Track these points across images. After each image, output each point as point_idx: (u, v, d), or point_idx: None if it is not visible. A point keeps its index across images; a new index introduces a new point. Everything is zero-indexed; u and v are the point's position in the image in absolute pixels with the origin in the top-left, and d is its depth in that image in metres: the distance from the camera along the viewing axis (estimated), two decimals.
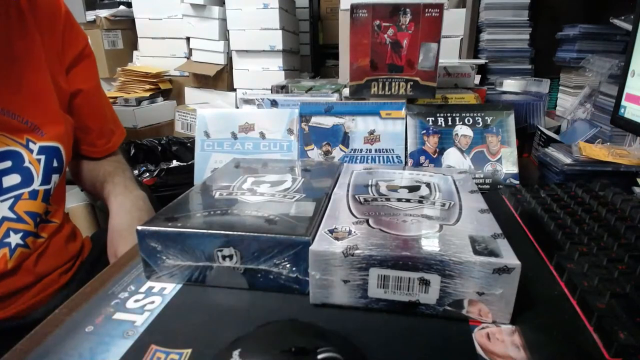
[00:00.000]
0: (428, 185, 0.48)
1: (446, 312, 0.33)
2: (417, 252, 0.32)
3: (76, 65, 0.63)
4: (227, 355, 0.26)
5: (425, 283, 0.33)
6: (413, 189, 0.47)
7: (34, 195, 0.56)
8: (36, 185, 0.56)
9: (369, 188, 0.47)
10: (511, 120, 0.62)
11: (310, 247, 0.34)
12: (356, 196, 0.44)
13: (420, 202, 0.43)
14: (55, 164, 0.58)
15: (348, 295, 0.34)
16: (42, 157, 0.57)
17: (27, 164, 0.55)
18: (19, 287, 0.55)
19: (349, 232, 0.36)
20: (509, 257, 0.32)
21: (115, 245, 0.61)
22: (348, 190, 0.46)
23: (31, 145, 0.55)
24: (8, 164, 0.54)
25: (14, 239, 0.54)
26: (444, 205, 0.42)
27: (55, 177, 0.59)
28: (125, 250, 0.56)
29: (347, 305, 0.35)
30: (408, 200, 0.43)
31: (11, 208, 0.54)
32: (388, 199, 0.44)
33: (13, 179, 0.54)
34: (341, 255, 0.33)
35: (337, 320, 0.33)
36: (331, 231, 0.36)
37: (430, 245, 0.34)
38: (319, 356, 0.25)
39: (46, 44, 0.58)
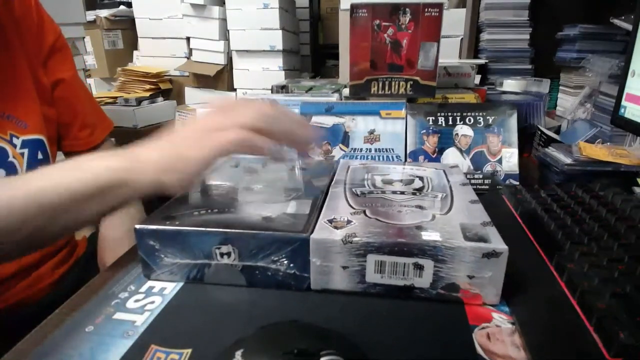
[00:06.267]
0: (421, 178, 0.50)
1: (439, 294, 0.35)
2: (412, 239, 0.34)
3: (52, 56, 0.64)
4: (230, 356, 0.26)
5: (419, 268, 0.34)
6: (407, 182, 0.49)
7: None
8: None
9: (365, 182, 0.48)
10: (513, 120, 0.62)
11: (311, 236, 0.35)
12: (353, 189, 0.46)
13: (414, 194, 0.45)
14: (40, 156, 0.59)
15: (347, 280, 0.36)
16: (26, 151, 0.57)
17: (11, 158, 0.56)
18: (6, 274, 0.56)
19: (348, 222, 0.37)
20: (497, 243, 0.34)
21: (104, 255, 0.61)
22: (345, 184, 0.48)
23: (14, 140, 0.56)
24: None
25: None
26: (436, 196, 0.44)
27: None
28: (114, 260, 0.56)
29: (346, 290, 0.36)
30: (402, 193, 0.45)
31: None
32: (384, 192, 0.45)
33: None
34: (340, 242, 0.35)
35: (337, 320, 0.33)
36: (330, 221, 0.38)
37: (424, 232, 0.35)
38: (322, 359, 0.25)
39: (22, 38, 0.59)
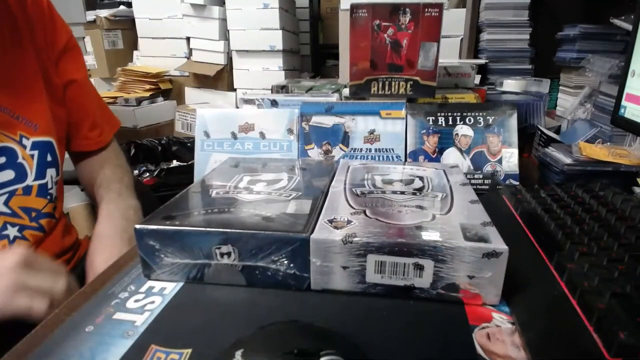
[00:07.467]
0: (421, 178, 0.50)
1: (439, 295, 0.35)
2: (412, 239, 0.34)
3: (63, 56, 0.64)
4: (230, 356, 0.26)
5: (419, 268, 0.34)
6: (407, 182, 0.49)
7: (27, 190, 0.56)
8: (30, 181, 0.56)
9: (365, 182, 0.48)
10: (513, 120, 0.62)
11: (311, 236, 0.35)
12: (353, 189, 0.46)
13: (414, 194, 0.45)
14: (49, 158, 0.59)
15: (347, 280, 0.36)
16: (36, 153, 0.57)
17: (20, 159, 0.56)
18: None
19: (348, 222, 0.37)
20: (498, 243, 0.33)
21: (93, 253, 0.58)
22: (345, 184, 0.48)
23: (24, 141, 0.56)
24: (2, 160, 0.54)
25: (12, 232, 0.55)
26: (436, 196, 0.44)
27: (50, 172, 0.59)
28: (103, 259, 0.54)
29: (346, 291, 0.36)
30: (402, 193, 0.45)
31: (6, 203, 0.54)
32: (384, 192, 0.45)
33: (7, 175, 0.54)
34: (340, 242, 0.35)
35: (337, 320, 0.33)
36: (330, 221, 0.38)
37: (424, 232, 0.35)
38: (322, 359, 0.25)
39: (34, 38, 0.59)
